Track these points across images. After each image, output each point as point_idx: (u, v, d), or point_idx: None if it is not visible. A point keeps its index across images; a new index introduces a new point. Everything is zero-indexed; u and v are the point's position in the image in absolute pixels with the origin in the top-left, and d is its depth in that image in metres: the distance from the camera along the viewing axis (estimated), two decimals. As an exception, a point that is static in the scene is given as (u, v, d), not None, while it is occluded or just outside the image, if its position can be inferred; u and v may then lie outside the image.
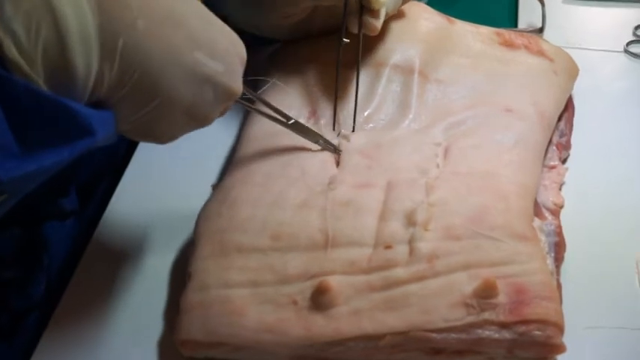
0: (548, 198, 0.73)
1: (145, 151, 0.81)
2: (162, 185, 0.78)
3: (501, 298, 0.61)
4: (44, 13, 0.50)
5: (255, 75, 0.76)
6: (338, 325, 0.62)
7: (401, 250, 0.64)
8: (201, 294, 0.64)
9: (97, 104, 0.55)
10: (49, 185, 0.71)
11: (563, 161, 0.78)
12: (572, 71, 0.81)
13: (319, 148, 0.72)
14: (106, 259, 0.72)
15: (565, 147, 0.78)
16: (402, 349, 0.62)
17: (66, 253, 0.77)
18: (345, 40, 0.75)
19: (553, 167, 0.76)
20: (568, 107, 0.81)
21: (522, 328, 0.60)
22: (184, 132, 0.60)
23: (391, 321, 0.61)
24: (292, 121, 0.71)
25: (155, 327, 0.67)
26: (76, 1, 0.51)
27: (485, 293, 0.61)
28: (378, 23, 0.74)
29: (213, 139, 0.78)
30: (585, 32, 0.92)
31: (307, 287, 0.63)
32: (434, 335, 0.61)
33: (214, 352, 0.63)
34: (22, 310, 0.77)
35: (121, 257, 0.72)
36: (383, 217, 0.66)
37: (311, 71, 0.79)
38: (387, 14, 0.76)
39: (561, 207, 0.73)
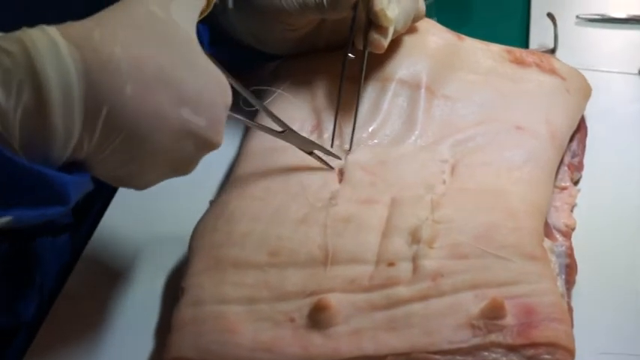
0: (559, 219, 0.71)
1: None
2: (158, 201, 0.75)
3: (509, 319, 0.59)
4: (26, 75, 0.48)
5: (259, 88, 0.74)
6: (337, 345, 0.59)
7: (404, 268, 0.62)
8: (194, 309, 0.62)
9: (73, 164, 0.53)
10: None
11: (575, 182, 0.75)
12: (585, 91, 0.80)
13: (318, 163, 0.70)
14: (96, 276, 0.70)
15: (577, 168, 0.76)
16: (404, 371, 0.59)
17: (59, 271, 0.75)
18: (350, 55, 0.73)
19: (564, 188, 0.74)
20: (580, 128, 0.79)
21: (531, 352, 0.58)
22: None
23: (393, 341, 0.59)
24: (285, 130, 0.69)
25: (146, 346, 0.65)
26: (62, 64, 0.49)
27: (493, 314, 0.59)
28: (385, 41, 0.73)
29: (212, 155, 0.76)
30: (598, 54, 0.90)
31: (305, 305, 0.61)
32: (437, 357, 0.58)
33: (206, 371, 0.61)
34: (10, 328, 0.75)
35: (112, 274, 0.70)
36: (386, 233, 0.64)
37: (316, 84, 0.77)
38: (395, 32, 0.74)
39: (573, 229, 0.70)
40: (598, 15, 0.95)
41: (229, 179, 0.71)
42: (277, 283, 0.62)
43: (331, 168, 0.70)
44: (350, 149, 0.72)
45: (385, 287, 0.61)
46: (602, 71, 0.87)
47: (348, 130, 0.73)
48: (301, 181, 0.68)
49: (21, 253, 0.78)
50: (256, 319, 0.61)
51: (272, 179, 0.69)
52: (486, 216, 0.65)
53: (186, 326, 0.61)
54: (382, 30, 0.73)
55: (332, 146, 0.72)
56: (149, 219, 0.74)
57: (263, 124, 0.69)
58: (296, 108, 0.75)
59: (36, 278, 0.79)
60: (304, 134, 0.72)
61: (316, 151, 0.70)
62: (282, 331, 0.60)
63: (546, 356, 0.58)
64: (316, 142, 0.71)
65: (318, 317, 0.60)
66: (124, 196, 0.77)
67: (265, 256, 0.63)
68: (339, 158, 0.71)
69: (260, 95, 0.75)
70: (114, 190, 0.81)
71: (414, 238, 0.63)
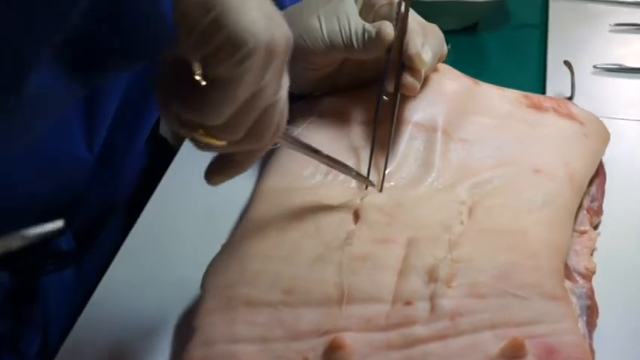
0: (579, 263, 0.70)
1: (155, 205, 0.79)
2: (170, 244, 0.75)
3: (530, 359, 0.57)
4: None
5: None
6: (352, 385, 0.58)
7: (421, 307, 0.61)
8: (205, 349, 0.60)
9: None
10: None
11: (595, 227, 0.74)
12: (603, 136, 0.79)
13: (337, 197, 0.69)
14: (107, 317, 0.69)
15: (596, 212, 0.75)
16: (421, 413, 0.58)
17: (64, 310, 0.74)
18: (384, 97, 0.73)
19: (584, 232, 0.73)
20: (599, 173, 0.78)
21: (553, 394, 0.56)
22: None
23: (410, 381, 0.58)
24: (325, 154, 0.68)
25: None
26: None
27: (513, 353, 0.57)
28: (418, 84, 0.73)
29: (227, 197, 0.76)
30: (616, 102, 0.90)
31: (320, 344, 0.60)
32: (457, 398, 0.57)
33: (218, 413, 0.59)
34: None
35: (123, 316, 0.69)
36: (402, 272, 0.63)
37: (336, 126, 0.77)
38: (424, 75, 0.74)
39: (593, 272, 0.69)
40: (615, 65, 0.95)
41: (242, 219, 0.71)
42: (291, 322, 0.61)
43: (372, 184, 0.70)
44: (381, 190, 0.71)
45: (402, 326, 0.60)
46: (620, 119, 0.87)
47: (366, 172, 0.73)
48: (316, 221, 0.67)
49: (24, 289, 0.78)
50: (269, 359, 0.59)
51: (286, 219, 0.68)
52: (505, 256, 0.64)
53: (197, 367, 0.60)
54: (415, 73, 0.73)
55: (366, 187, 0.72)
56: (161, 263, 0.73)
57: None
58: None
59: (38, 317, 0.78)
60: (319, 177, 0.72)
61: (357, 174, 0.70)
62: (296, 371, 0.59)
63: (569, 398, 0.56)
64: (331, 190, 0.70)
65: (333, 356, 0.59)
66: (135, 237, 0.76)
67: (279, 295, 0.62)
68: (373, 185, 0.71)
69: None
70: (116, 227, 0.80)
71: (432, 277, 0.62)
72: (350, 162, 0.73)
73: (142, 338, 0.67)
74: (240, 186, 0.78)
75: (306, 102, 0.82)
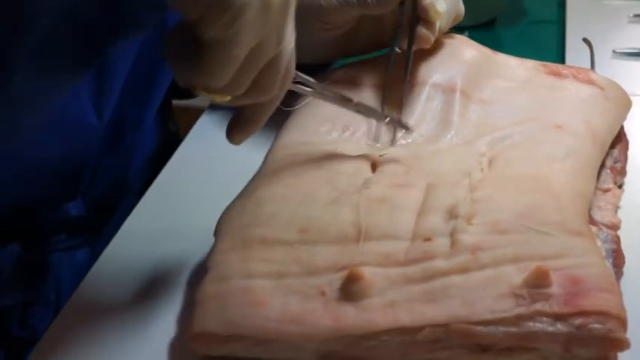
0: (603, 218, 0.69)
1: (167, 177, 0.79)
2: (182, 209, 0.74)
3: (555, 289, 0.56)
4: None
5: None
6: (371, 317, 0.57)
7: (441, 243, 0.60)
8: (219, 285, 0.59)
9: None
10: (52, 188, 0.69)
11: (619, 187, 0.73)
12: (624, 101, 0.78)
13: (355, 152, 0.69)
14: (108, 286, 0.67)
15: (620, 173, 0.74)
16: (443, 346, 0.57)
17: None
18: (397, 49, 0.73)
19: (608, 190, 0.72)
20: (621, 138, 0.78)
21: (580, 321, 0.55)
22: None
23: (431, 312, 0.56)
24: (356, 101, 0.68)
25: (167, 333, 0.62)
26: None
27: (537, 282, 0.56)
28: (432, 36, 0.73)
29: (244, 165, 0.74)
30: (637, 83, 0.89)
31: (337, 279, 0.58)
32: (479, 328, 0.55)
33: (232, 347, 0.58)
34: (25, 342, 0.73)
35: (132, 274, 0.68)
36: (421, 212, 0.62)
37: (346, 91, 0.76)
38: (439, 30, 0.74)
39: (618, 227, 0.68)
40: (635, 49, 0.95)
41: (259, 169, 0.70)
42: (307, 259, 0.60)
43: (407, 127, 0.70)
44: (393, 142, 0.71)
45: (422, 261, 0.59)
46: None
47: (380, 132, 0.72)
48: (333, 169, 0.67)
49: (36, 264, 0.77)
50: (285, 293, 0.58)
51: (302, 167, 0.68)
52: (527, 197, 0.63)
53: (211, 301, 0.59)
54: (430, 25, 0.73)
55: (394, 140, 0.71)
56: (177, 220, 0.73)
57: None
58: (327, 110, 0.74)
59: (51, 294, 0.77)
60: (335, 134, 0.72)
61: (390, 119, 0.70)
62: (313, 304, 0.58)
63: (596, 325, 0.55)
64: (348, 144, 0.70)
65: (350, 289, 0.57)
66: (152, 195, 0.76)
67: (294, 234, 0.61)
68: (408, 128, 0.71)
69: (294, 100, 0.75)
70: (132, 207, 0.80)
71: (452, 214, 0.61)
72: (363, 125, 0.73)
73: (155, 290, 0.66)
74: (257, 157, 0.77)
75: (321, 75, 0.82)
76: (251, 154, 0.71)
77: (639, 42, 0.97)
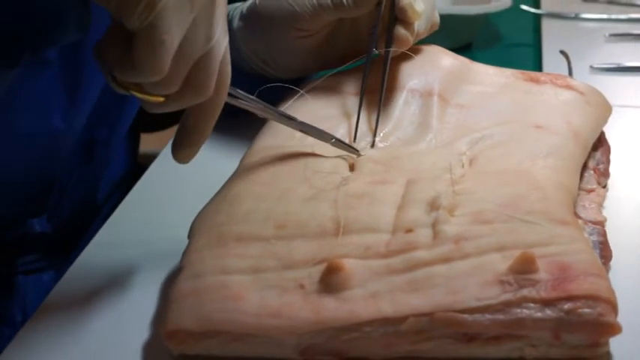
0: (588, 216, 0.67)
1: (140, 192, 0.77)
2: (156, 217, 0.73)
3: (542, 275, 0.55)
4: None
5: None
6: (352, 308, 0.55)
7: (423, 233, 0.58)
8: (194, 282, 0.57)
9: None
10: (18, 202, 0.68)
11: (603, 187, 0.72)
12: (605, 106, 0.78)
13: (332, 154, 0.67)
14: (75, 298, 0.65)
15: (603, 174, 0.73)
16: (427, 336, 0.55)
17: None
18: (376, 50, 0.73)
19: (591, 190, 0.71)
20: (603, 143, 0.77)
21: (568, 305, 0.53)
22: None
23: (414, 302, 0.55)
24: (298, 121, 0.67)
25: (140, 337, 0.60)
26: None
27: (523, 268, 0.55)
28: (410, 37, 0.72)
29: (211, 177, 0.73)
30: (616, 97, 0.89)
31: (316, 272, 0.57)
32: (465, 317, 0.54)
33: (209, 344, 0.56)
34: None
35: (106, 280, 0.66)
36: (402, 206, 0.61)
37: (324, 99, 0.76)
38: (417, 35, 0.74)
39: (603, 225, 0.67)
40: (613, 64, 0.95)
41: (235, 171, 0.68)
42: (285, 254, 0.58)
43: (356, 151, 0.68)
44: (373, 143, 0.70)
45: (403, 252, 0.57)
46: (619, 106, 0.86)
47: (358, 136, 0.71)
48: (310, 168, 0.65)
49: (2, 287, 0.76)
50: (262, 287, 0.56)
51: (279, 167, 0.66)
52: (510, 188, 0.62)
53: (186, 298, 0.57)
54: (408, 26, 0.72)
55: (355, 139, 0.70)
56: (144, 237, 0.71)
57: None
58: (304, 113, 0.73)
59: (17, 317, 0.75)
60: (311, 139, 0.70)
61: (336, 140, 0.68)
62: (291, 297, 0.56)
63: (586, 310, 0.53)
64: (325, 145, 0.69)
65: (330, 281, 0.56)
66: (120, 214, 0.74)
67: (271, 230, 0.60)
68: (357, 152, 0.68)
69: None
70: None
71: (433, 206, 0.60)
72: (342, 128, 0.72)
73: (126, 298, 0.64)
74: (227, 161, 0.76)
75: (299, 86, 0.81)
76: (225, 170, 0.69)
77: (617, 59, 0.97)
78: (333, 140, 0.67)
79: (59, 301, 0.63)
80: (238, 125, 0.79)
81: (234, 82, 0.79)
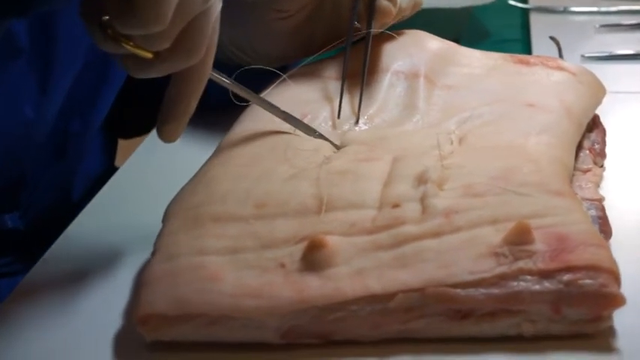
0: (585, 195, 0.64)
1: (113, 187, 0.74)
2: (125, 214, 0.69)
3: (539, 246, 0.51)
4: None
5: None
6: (337, 285, 0.51)
7: (411, 208, 0.55)
8: (168, 264, 0.54)
9: None
10: None
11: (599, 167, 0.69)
12: (597, 87, 0.75)
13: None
14: (44, 290, 0.61)
15: (599, 154, 0.70)
16: (418, 314, 0.51)
17: None
18: (356, 24, 0.70)
19: (588, 170, 0.68)
20: (598, 125, 0.74)
21: (568, 277, 0.50)
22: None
23: (403, 277, 0.51)
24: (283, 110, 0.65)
25: (113, 325, 0.56)
26: None
27: (519, 239, 0.52)
28: (394, 8, 0.69)
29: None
30: (609, 83, 0.86)
31: (297, 250, 0.53)
32: (457, 291, 0.51)
33: (184, 329, 0.52)
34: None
35: (64, 287, 0.61)
36: (388, 182, 0.58)
37: (306, 83, 0.72)
38: (400, 9, 0.71)
39: (601, 201, 0.64)
40: (604, 52, 0.92)
41: (210, 157, 0.65)
42: (264, 233, 0.55)
43: (336, 146, 0.65)
44: (357, 121, 0.67)
45: (391, 228, 0.54)
46: (613, 92, 0.83)
47: (342, 118, 0.68)
48: (292, 148, 0.62)
49: None
50: (241, 268, 0.53)
51: (258, 148, 0.63)
52: (502, 161, 0.59)
53: (159, 281, 0.53)
54: None
55: (339, 116, 0.67)
56: (125, 220, 0.68)
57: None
58: (285, 98, 0.70)
59: None
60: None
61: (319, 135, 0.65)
62: (272, 276, 0.52)
63: (587, 281, 0.50)
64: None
65: (312, 258, 0.52)
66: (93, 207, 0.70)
67: (250, 209, 0.56)
68: (336, 146, 0.65)
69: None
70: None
71: (421, 180, 0.57)
72: (324, 111, 0.69)
73: (98, 288, 0.60)
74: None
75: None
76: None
77: (608, 48, 0.95)
78: (317, 134, 0.64)
79: (29, 290, 0.60)
80: (216, 118, 0.76)
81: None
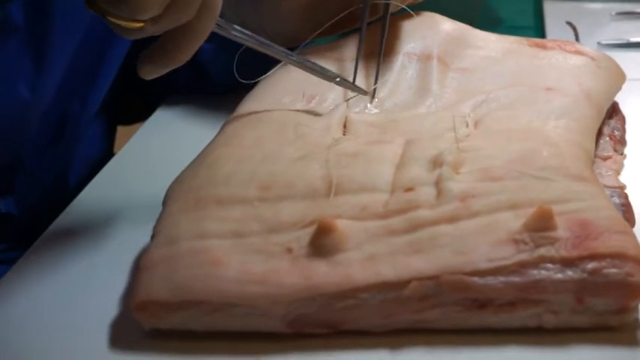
0: (605, 183, 0.61)
1: (109, 173, 0.71)
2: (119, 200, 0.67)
3: (561, 232, 0.49)
4: None
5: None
6: (347, 272, 0.49)
7: (426, 192, 0.52)
8: (168, 248, 0.51)
9: None
10: None
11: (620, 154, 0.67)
12: (617, 73, 0.72)
13: (322, 118, 0.62)
14: (38, 275, 0.59)
15: (619, 141, 0.67)
16: (433, 303, 0.49)
17: None
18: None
19: (608, 157, 0.65)
20: (617, 112, 0.71)
21: (592, 265, 0.48)
22: None
23: (417, 264, 0.49)
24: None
25: (109, 312, 0.53)
26: None
27: (540, 225, 0.49)
28: None
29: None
30: (628, 71, 0.83)
31: (305, 234, 0.51)
32: (475, 279, 0.48)
33: (184, 316, 0.49)
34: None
35: (60, 272, 0.59)
36: (401, 164, 0.55)
37: (318, 60, 0.69)
38: None
39: (623, 189, 0.61)
40: (622, 40, 0.89)
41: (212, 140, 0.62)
42: (270, 216, 0.52)
43: (364, 91, 0.64)
44: (373, 97, 0.65)
45: (404, 212, 0.51)
46: (632, 80, 0.80)
47: (352, 100, 0.65)
48: (300, 130, 0.60)
49: None
50: (245, 252, 0.50)
51: (264, 129, 0.60)
52: (521, 144, 0.56)
53: (158, 265, 0.50)
54: None
55: (354, 81, 0.66)
56: (124, 202, 0.65)
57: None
58: (290, 81, 0.67)
59: None
60: (300, 104, 0.65)
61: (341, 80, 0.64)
62: (278, 262, 0.50)
63: (612, 270, 0.48)
64: (314, 110, 0.63)
65: (321, 243, 0.50)
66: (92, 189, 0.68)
67: (255, 191, 0.54)
68: (364, 91, 0.64)
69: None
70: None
71: (436, 163, 0.54)
72: (332, 93, 0.66)
73: (94, 274, 0.58)
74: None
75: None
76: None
77: (625, 36, 0.92)
78: (338, 79, 0.63)
79: (23, 275, 0.57)
80: (219, 101, 0.74)
81: (218, 56, 0.74)
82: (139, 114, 0.95)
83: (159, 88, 0.79)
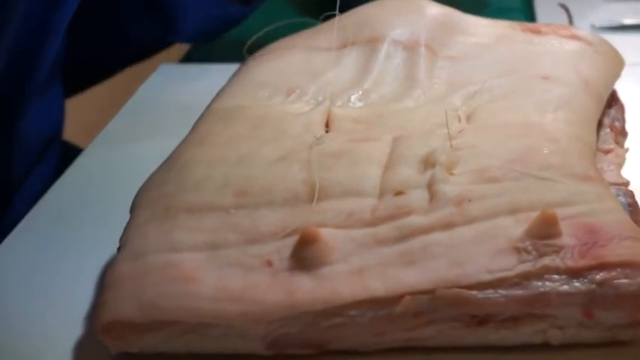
0: (608, 180, 0.57)
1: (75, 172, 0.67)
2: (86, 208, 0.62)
3: (566, 239, 0.45)
4: None
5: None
6: (334, 287, 0.45)
7: (417, 195, 0.48)
8: (134, 262, 0.47)
9: None
10: None
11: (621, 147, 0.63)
12: (616, 58, 0.68)
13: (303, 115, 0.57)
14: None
15: (621, 133, 0.64)
16: (428, 320, 0.45)
17: None
18: None
19: (609, 150, 0.61)
20: (617, 101, 0.68)
21: (601, 275, 0.44)
22: None
23: (410, 277, 0.45)
24: None
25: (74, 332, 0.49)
26: None
27: (544, 232, 0.45)
28: None
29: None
30: (624, 55, 0.80)
31: (286, 245, 0.47)
32: (474, 294, 0.44)
33: (154, 338, 0.45)
34: None
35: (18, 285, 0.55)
36: (389, 165, 0.51)
37: (290, 55, 0.66)
38: None
39: (626, 185, 0.57)
40: (615, 23, 0.86)
41: (183, 139, 0.58)
42: (247, 225, 0.48)
43: None
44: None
45: (394, 219, 0.47)
46: (630, 64, 0.76)
47: (333, 93, 0.61)
48: (278, 128, 0.55)
49: None
50: (220, 266, 0.46)
51: (239, 127, 0.56)
52: (519, 141, 0.52)
53: (125, 282, 0.46)
54: None
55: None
56: (85, 211, 0.61)
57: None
58: (268, 74, 0.63)
59: None
60: (278, 98, 0.60)
61: None
62: (257, 276, 0.45)
63: (624, 280, 0.44)
64: (294, 106, 0.59)
65: (304, 255, 0.46)
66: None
67: (230, 197, 0.50)
68: None
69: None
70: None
71: (428, 163, 0.50)
72: (314, 85, 0.62)
73: (57, 289, 0.53)
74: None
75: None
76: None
77: (618, 17, 0.88)
78: None
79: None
80: (196, 92, 0.70)
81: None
82: (91, 76, 0.90)
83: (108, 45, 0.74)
